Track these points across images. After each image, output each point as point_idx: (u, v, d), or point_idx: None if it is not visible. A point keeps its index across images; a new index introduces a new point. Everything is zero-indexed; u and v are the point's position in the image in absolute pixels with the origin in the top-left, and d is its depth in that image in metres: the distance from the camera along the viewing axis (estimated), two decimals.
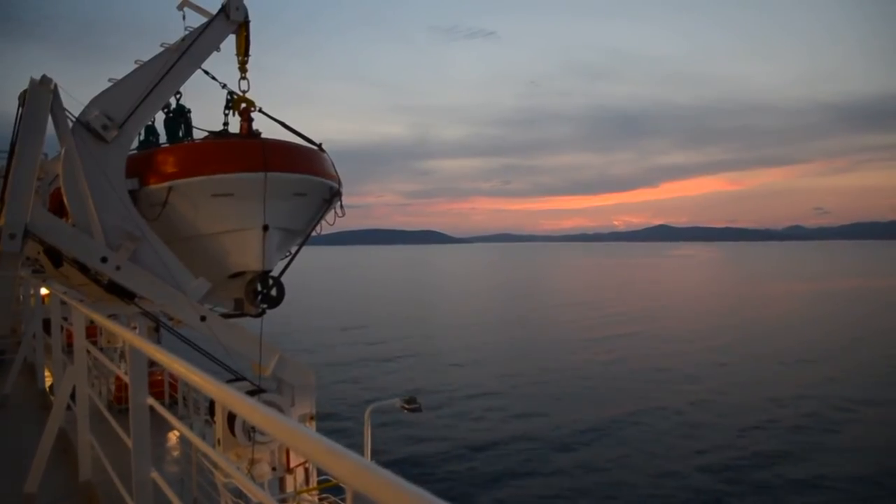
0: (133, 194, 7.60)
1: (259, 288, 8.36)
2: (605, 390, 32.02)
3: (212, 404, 8.64)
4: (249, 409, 1.64)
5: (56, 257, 7.57)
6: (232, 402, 1.75)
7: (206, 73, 8.22)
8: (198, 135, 8.96)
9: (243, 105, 8.41)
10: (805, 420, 26.33)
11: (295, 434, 1.40)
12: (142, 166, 7.80)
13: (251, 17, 8.18)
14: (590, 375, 35.54)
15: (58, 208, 7.86)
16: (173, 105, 8.85)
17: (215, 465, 6.45)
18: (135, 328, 11.16)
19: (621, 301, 77.27)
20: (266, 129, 8.56)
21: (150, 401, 3.57)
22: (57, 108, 6.92)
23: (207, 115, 8.82)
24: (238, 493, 7.06)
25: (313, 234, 9.08)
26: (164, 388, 12.52)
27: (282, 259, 8.99)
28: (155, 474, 3.53)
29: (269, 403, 7.87)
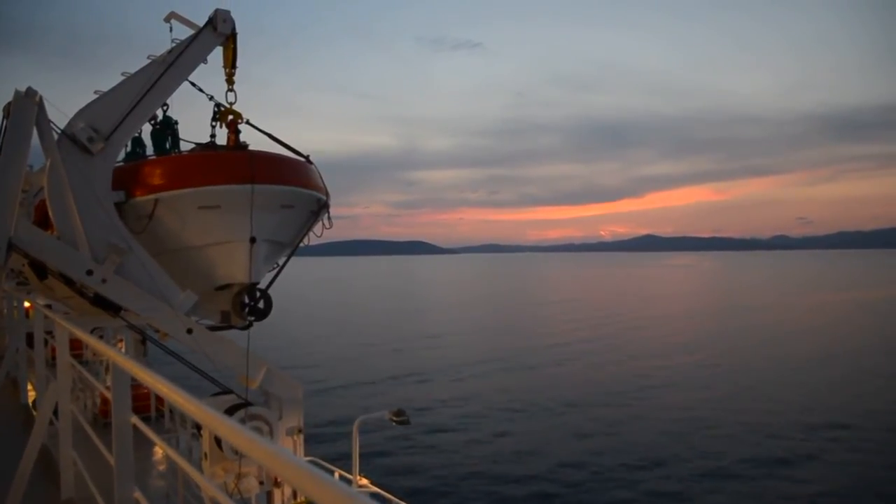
0: (119, 207, 7.56)
1: (246, 300, 8.33)
2: (611, 404, 31.70)
3: None
4: (233, 432, 1.63)
5: (41, 270, 7.50)
6: (216, 425, 1.75)
7: (194, 84, 8.21)
8: (185, 147, 8.94)
9: (230, 117, 8.39)
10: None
11: (277, 458, 1.40)
12: (128, 178, 7.76)
13: (238, 28, 8.20)
14: (593, 386, 35.53)
15: (43, 221, 7.81)
16: (160, 117, 8.83)
17: (200, 481, 6.40)
18: (121, 341, 11.07)
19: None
20: (253, 140, 8.56)
21: (134, 419, 3.54)
22: (42, 120, 6.89)
23: (194, 126, 8.81)
24: None
25: (301, 245, 9.06)
26: (151, 400, 12.42)
27: (269, 271, 8.96)
28: (138, 493, 3.50)
29: (257, 417, 7.82)
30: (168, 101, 8.26)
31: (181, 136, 9.03)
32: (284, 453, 1.40)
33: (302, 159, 8.73)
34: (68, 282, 7.29)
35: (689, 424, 27.36)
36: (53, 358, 8.72)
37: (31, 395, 10.28)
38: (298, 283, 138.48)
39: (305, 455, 8.65)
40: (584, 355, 45.90)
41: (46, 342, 8.11)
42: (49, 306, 8.15)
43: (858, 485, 20.54)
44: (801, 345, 49.04)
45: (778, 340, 51.45)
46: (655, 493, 20.16)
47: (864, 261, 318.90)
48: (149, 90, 7.65)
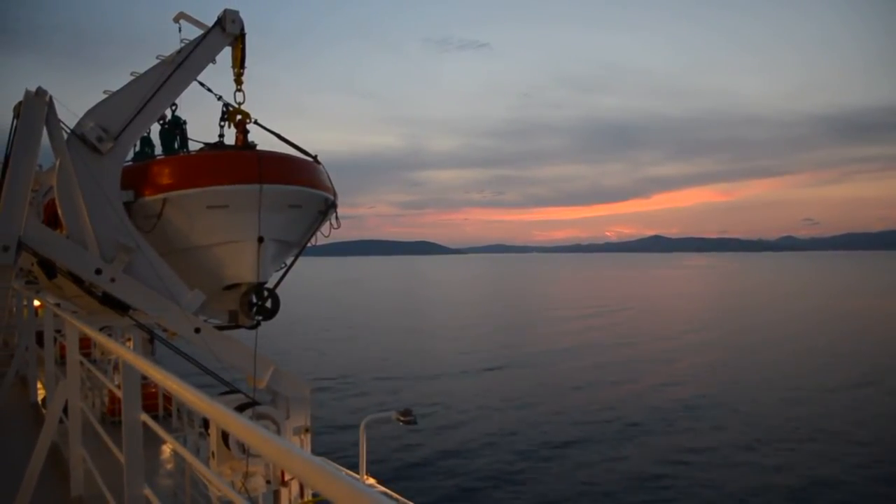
0: (128, 206, 7.59)
1: (254, 300, 8.34)
2: (621, 404, 31.52)
3: (206, 417, 8.59)
4: (243, 429, 1.63)
5: (50, 269, 7.54)
6: (226, 421, 1.75)
7: (202, 84, 8.24)
8: (193, 146, 8.97)
9: (239, 117, 8.42)
10: None
11: (288, 455, 1.40)
12: (137, 178, 7.79)
13: (246, 29, 8.22)
14: (599, 389, 35.39)
15: (52, 220, 7.85)
16: (169, 117, 8.86)
17: (209, 479, 6.44)
18: (129, 340, 11.13)
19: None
20: (261, 140, 8.57)
21: (144, 416, 3.56)
22: (52, 119, 6.92)
23: (203, 126, 8.84)
24: None
25: (308, 245, 9.08)
26: (158, 399, 12.47)
27: (277, 271, 8.98)
28: (147, 491, 3.51)
29: (264, 416, 7.83)
30: (177, 101, 8.30)
31: (189, 135, 9.07)
32: (295, 450, 1.41)
33: (310, 159, 8.75)
34: (77, 281, 7.32)
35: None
36: (62, 356, 8.75)
37: (41, 393, 10.34)
38: (307, 283, 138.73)
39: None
40: (605, 358, 45.78)
41: (56, 340, 8.15)
42: (58, 305, 8.20)
43: None
44: None
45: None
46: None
47: (886, 263, 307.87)
48: (158, 90, 7.68)
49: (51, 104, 6.88)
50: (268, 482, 8.05)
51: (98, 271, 7.15)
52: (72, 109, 7.24)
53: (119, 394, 3.70)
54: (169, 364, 3.85)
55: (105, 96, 7.59)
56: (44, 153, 7.15)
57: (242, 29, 8.19)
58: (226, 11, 8.06)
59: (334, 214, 8.99)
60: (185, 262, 7.99)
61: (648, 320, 69.01)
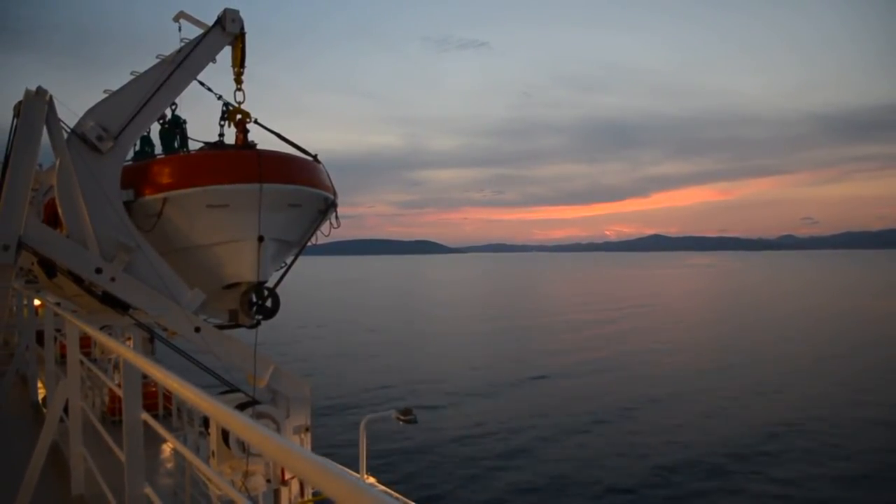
0: (128, 205, 7.59)
1: (254, 299, 8.35)
2: (619, 403, 31.49)
3: (206, 416, 8.59)
4: (244, 428, 1.64)
5: (50, 268, 7.55)
6: (227, 420, 1.76)
7: (202, 84, 8.24)
8: (193, 146, 8.97)
9: (239, 116, 8.43)
10: None
11: (288, 453, 1.41)
12: (137, 177, 7.80)
13: (246, 28, 8.22)
14: (609, 391, 35.34)
15: (52, 219, 7.86)
16: (169, 116, 8.87)
17: (209, 478, 6.44)
18: (129, 339, 11.16)
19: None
20: (261, 140, 8.58)
21: (144, 415, 3.57)
22: (52, 119, 6.93)
23: (203, 126, 8.84)
24: None
25: (308, 244, 9.09)
26: (159, 399, 12.48)
27: (277, 270, 8.99)
28: (148, 489, 3.52)
29: (264, 415, 7.84)
30: (176, 101, 8.30)
31: (189, 135, 9.07)
32: (296, 448, 1.41)
33: (310, 158, 8.76)
34: (77, 280, 7.33)
35: None
36: (63, 355, 8.76)
37: (41, 392, 10.36)
38: (307, 283, 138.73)
39: None
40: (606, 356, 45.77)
41: (56, 340, 8.16)
42: (58, 304, 8.20)
43: None
44: None
45: None
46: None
47: (886, 262, 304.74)
48: (158, 89, 7.68)
49: (51, 103, 6.89)
50: (268, 481, 8.06)
51: (98, 270, 7.16)
52: (72, 109, 7.24)
53: (119, 393, 3.71)
54: (169, 363, 3.86)
55: (105, 96, 7.59)
56: (44, 152, 7.15)
57: (242, 28, 8.19)
58: (226, 11, 8.06)
59: (334, 214, 9.00)
60: (185, 262, 7.99)
61: (662, 321, 68.27)
